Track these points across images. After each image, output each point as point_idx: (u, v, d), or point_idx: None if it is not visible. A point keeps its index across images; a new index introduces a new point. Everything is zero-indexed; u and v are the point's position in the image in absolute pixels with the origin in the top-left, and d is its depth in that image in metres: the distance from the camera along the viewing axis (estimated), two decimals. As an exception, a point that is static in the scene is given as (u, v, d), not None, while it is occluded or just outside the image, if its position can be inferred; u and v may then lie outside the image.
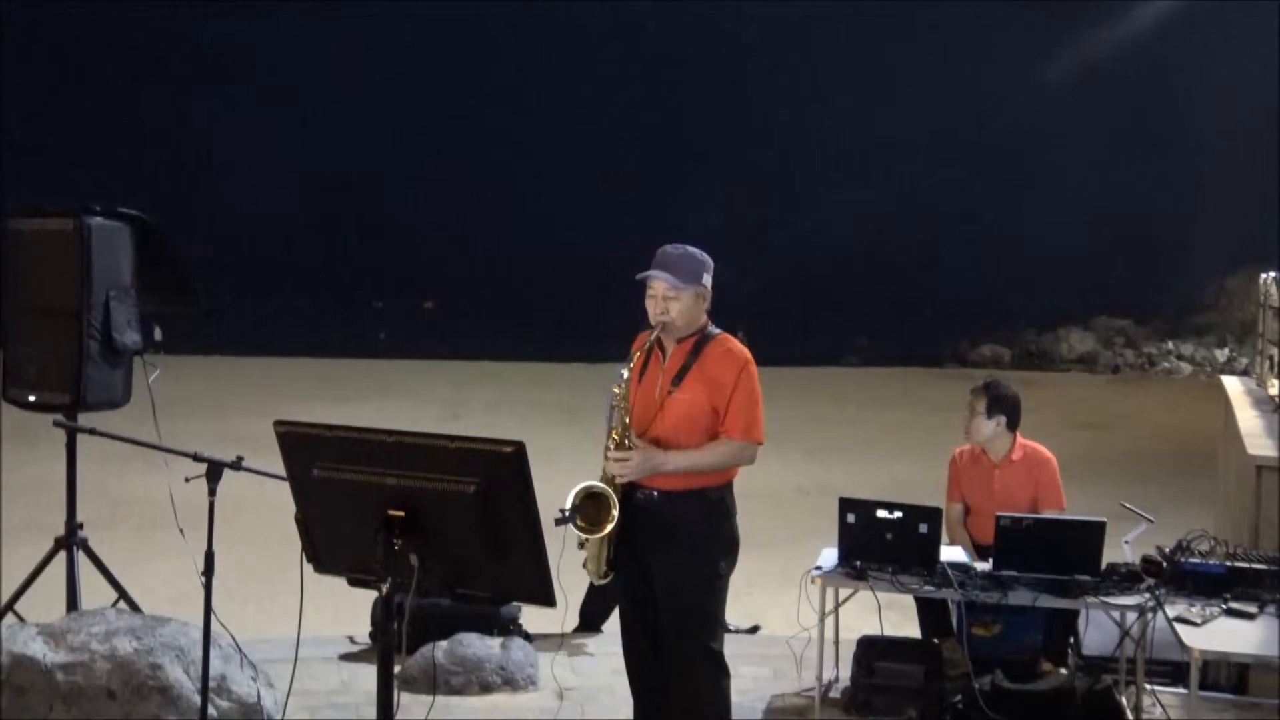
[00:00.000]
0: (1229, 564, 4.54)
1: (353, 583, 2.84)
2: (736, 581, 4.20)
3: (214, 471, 3.73)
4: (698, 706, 3.99)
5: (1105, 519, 4.63)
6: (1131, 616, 4.54)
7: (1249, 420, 6.43)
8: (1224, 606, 4.32)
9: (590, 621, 5.99)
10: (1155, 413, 19.08)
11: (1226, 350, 28.67)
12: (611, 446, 3.93)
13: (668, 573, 3.96)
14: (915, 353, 27.16)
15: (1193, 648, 4.01)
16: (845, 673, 5.09)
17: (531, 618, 5.62)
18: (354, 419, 3.74)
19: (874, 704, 4.88)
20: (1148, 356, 29.31)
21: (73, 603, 4.97)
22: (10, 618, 4.81)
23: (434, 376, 22.15)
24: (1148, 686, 4.84)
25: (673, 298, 3.96)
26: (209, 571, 3.73)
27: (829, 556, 4.87)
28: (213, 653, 4.04)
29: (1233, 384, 8.05)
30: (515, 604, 5.28)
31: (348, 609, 5.70)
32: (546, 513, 2.70)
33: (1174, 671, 5.06)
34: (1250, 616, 4.27)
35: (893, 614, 5.32)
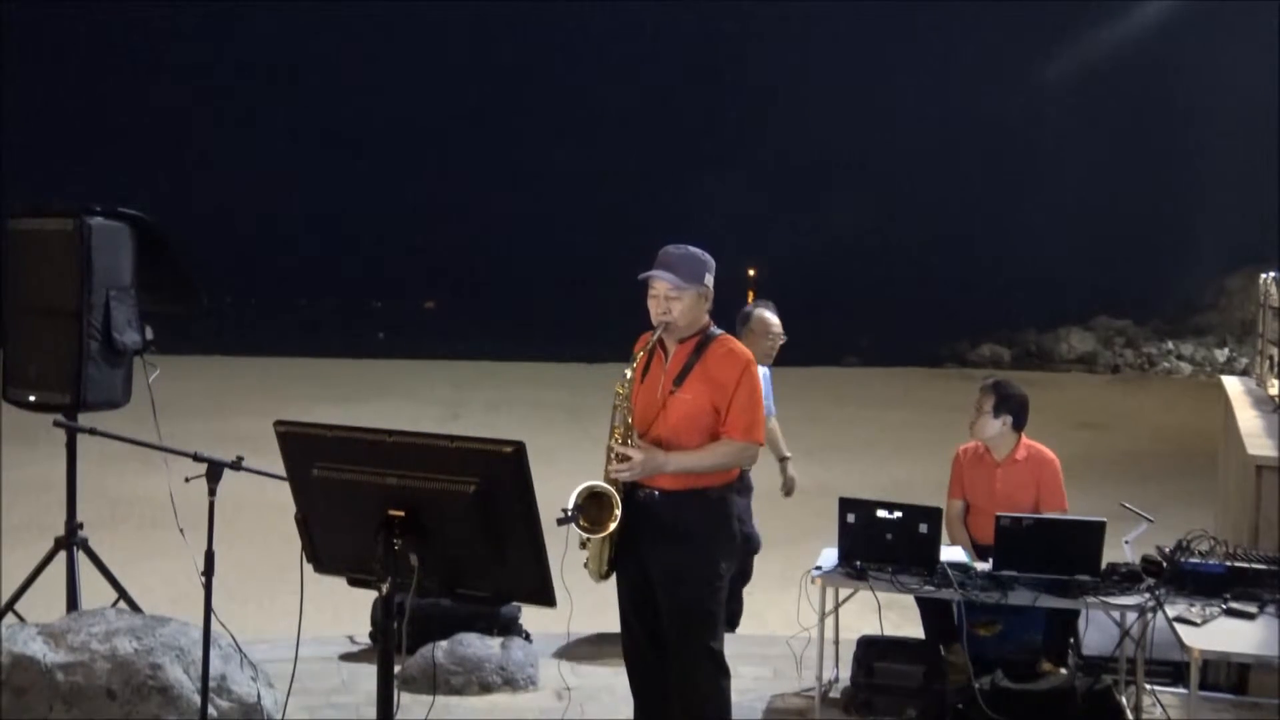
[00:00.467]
0: (1229, 564, 4.53)
1: (353, 583, 2.84)
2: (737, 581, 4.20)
3: (214, 471, 3.73)
4: (698, 706, 3.99)
5: (1105, 519, 4.63)
6: (1131, 616, 4.54)
7: (1249, 420, 6.43)
8: (1224, 606, 4.32)
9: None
10: (1155, 413, 19.09)
11: (1226, 350, 28.68)
12: (614, 446, 3.92)
13: (668, 572, 3.95)
14: (915, 353, 27.19)
15: (1193, 648, 4.01)
16: (845, 673, 5.09)
17: (532, 618, 5.62)
18: (354, 419, 3.74)
19: (874, 704, 4.88)
20: (1148, 356, 29.32)
21: (73, 603, 4.97)
22: (10, 618, 4.81)
23: (434, 376, 22.16)
24: (1148, 686, 4.84)
25: (675, 298, 3.95)
26: (209, 571, 3.73)
27: (829, 556, 4.87)
28: (213, 653, 4.04)
29: (1233, 384, 8.04)
30: (515, 604, 5.28)
31: (348, 609, 5.70)
32: (546, 513, 2.70)
33: (1174, 671, 5.06)
34: (1250, 616, 4.26)
35: (893, 614, 5.32)
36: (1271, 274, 7.42)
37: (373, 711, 2.76)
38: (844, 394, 19.69)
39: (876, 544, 4.66)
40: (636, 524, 3.92)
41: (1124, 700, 4.80)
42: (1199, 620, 4.20)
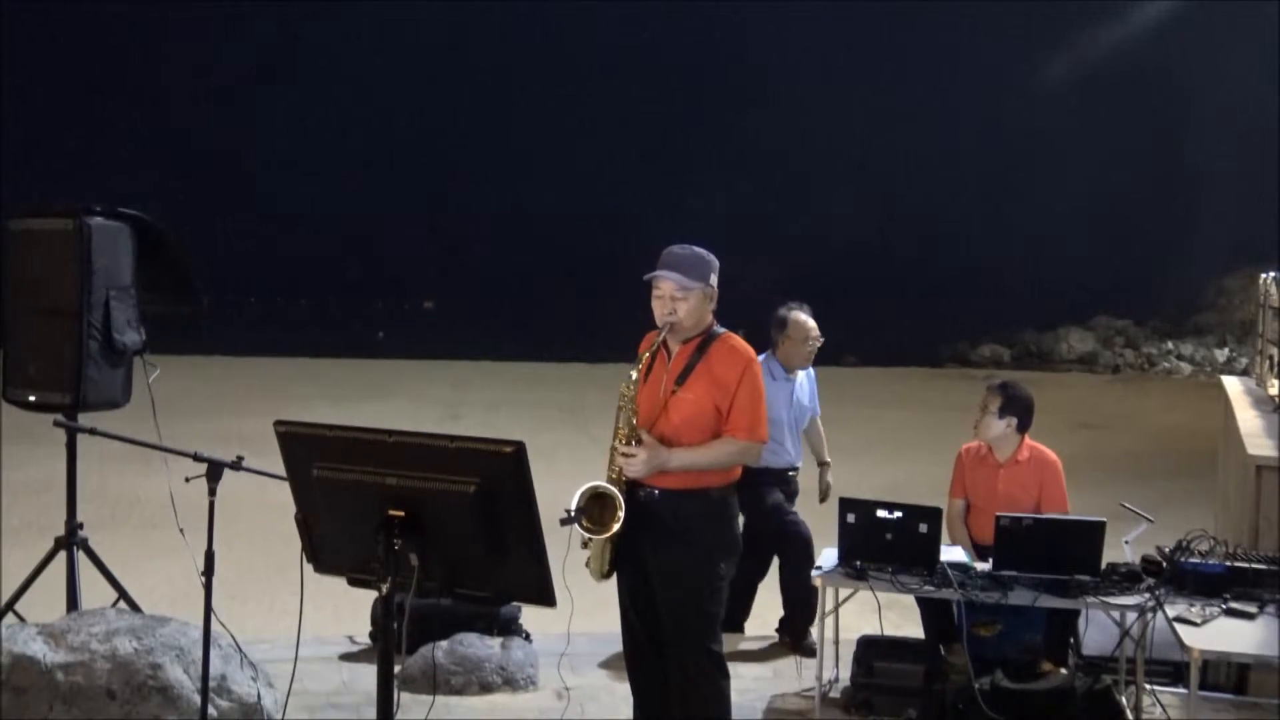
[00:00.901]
0: (1229, 564, 4.54)
1: (353, 583, 2.84)
2: (737, 582, 4.19)
3: (214, 471, 3.73)
4: (698, 707, 3.99)
5: (1105, 519, 4.63)
6: (1131, 616, 4.54)
7: (1249, 420, 6.42)
8: (1224, 606, 4.32)
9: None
10: (1155, 413, 19.11)
11: (1226, 350, 28.69)
12: (618, 446, 3.92)
13: (667, 572, 3.95)
14: (915, 353, 27.20)
15: (1193, 648, 4.01)
16: (845, 673, 5.09)
17: (532, 618, 5.62)
18: (354, 419, 3.73)
19: (874, 704, 4.88)
20: (1148, 356, 29.32)
21: (73, 603, 4.97)
22: (10, 618, 4.80)
23: (434, 376, 22.17)
24: (1148, 686, 4.84)
25: (680, 298, 3.95)
26: (209, 571, 3.73)
27: (829, 556, 4.87)
28: (213, 653, 4.03)
29: (1233, 384, 8.04)
30: (515, 604, 5.28)
31: (348, 609, 5.71)
32: (546, 513, 2.70)
33: (1174, 671, 5.06)
34: (1250, 616, 4.26)
35: (893, 614, 5.32)
36: (1271, 274, 7.42)
37: (373, 711, 2.76)
38: (843, 394, 19.69)
39: (876, 544, 4.66)
40: (637, 524, 3.92)
41: (1124, 700, 4.81)
42: (1199, 620, 4.20)
